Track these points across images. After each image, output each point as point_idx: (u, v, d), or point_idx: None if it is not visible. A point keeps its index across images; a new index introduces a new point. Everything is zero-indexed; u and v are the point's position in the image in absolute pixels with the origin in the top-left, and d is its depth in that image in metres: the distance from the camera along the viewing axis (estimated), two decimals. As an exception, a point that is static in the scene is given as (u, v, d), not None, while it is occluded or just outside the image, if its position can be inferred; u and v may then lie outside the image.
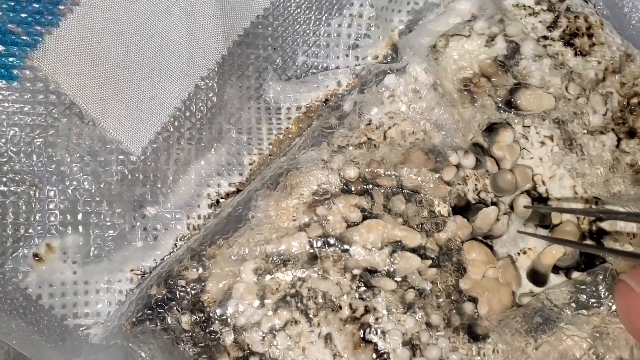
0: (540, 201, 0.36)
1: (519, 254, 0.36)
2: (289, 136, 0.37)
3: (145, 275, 0.35)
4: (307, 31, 0.37)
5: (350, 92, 0.37)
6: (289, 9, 0.37)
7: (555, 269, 0.35)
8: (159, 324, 0.33)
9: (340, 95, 0.38)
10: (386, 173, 0.34)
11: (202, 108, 0.35)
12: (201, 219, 0.36)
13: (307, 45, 0.38)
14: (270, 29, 0.37)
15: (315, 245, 0.33)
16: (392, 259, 0.33)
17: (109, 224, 0.34)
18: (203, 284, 0.33)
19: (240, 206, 0.34)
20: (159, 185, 0.35)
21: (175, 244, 0.35)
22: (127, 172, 0.34)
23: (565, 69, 0.37)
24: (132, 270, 0.35)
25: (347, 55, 0.38)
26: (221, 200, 0.36)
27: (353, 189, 0.34)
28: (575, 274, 0.35)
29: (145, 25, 0.34)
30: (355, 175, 0.34)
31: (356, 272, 0.33)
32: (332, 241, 0.33)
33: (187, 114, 0.35)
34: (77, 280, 0.34)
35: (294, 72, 0.38)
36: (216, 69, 0.35)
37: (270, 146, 0.37)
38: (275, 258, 0.33)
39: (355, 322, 0.33)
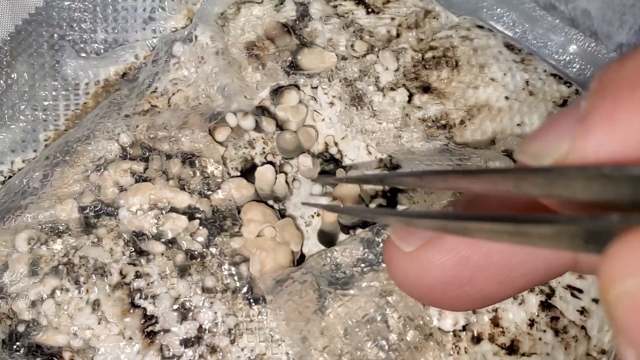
0: (334, 162, 0.36)
1: (312, 216, 0.35)
2: (86, 111, 0.37)
3: None
4: (105, 7, 0.38)
5: (146, 64, 0.37)
6: (85, -13, 0.37)
7: (346, 229, 0.34)
8: (-64, 297, 0.33)
9: (137, 68, 0.38)
10: (165, 137, 0.34)
11: (-11, 85, 0.36)
12: (-8, 195, 0.36)
13: (105, 21, 0.38)
14: (66, 5, 0.37)
15: (85, 212, 0.33)
16: (157, 221, 0.33)
17: None
18: (-18, 256, 0.33)
19: (19, 178, 0.34)
20: (-52, 163, 0.35)
21: (-35, 221, 0.35)
22: None
23: (354, 28, 0.36)
24: None
25: (144, 29, 0.38)
26: (13, 176, 0.36)
27: (130, 154, 0.34)
28: (360, 232, 0.34)
29: None
30: (128, 140, 0.34)
31: (126, 237, 0.33)
32: (102, 207, 0.33)
33: (-26, 92, 0.36)
34: None
35: (94, 49, 0.38)
36: (3, 47, 0.36)
37: (67, 121, 0.37)
38: (45, 226, 0.33)
39: (124, 288, 0.32)
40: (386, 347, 0.31)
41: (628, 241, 0.11)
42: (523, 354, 0.32)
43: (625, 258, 0.11)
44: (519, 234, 0.14)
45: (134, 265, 0.33)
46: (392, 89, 0.35)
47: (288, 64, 0.35)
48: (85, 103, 0.37)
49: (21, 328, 0.32)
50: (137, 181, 0.33)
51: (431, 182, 0.20)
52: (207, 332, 0.32)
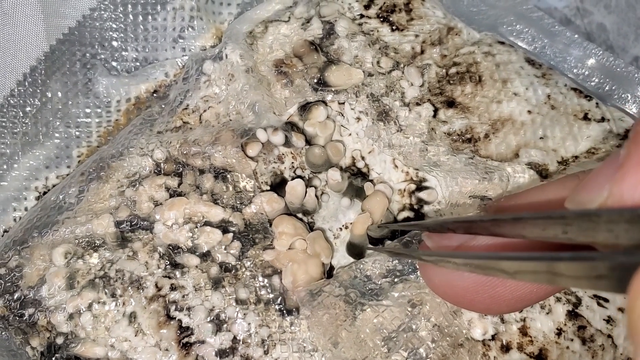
0: (361, 175, 0.36)
1: (341, 229, 0.36)
2: (118, 127, 0.38)
3: (-27, 267, 0.36)
4: (136, 27, 0.39)
5: (176, 81, 0.38)
6: (116, 7, 0.38)
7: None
8: (-25, 311, 0.34)
9: (167, 86, 0.39)
10: (198, 153, 0.35)
11: (25, 103, 0.37)
12: (28, 211, 0.37)
13: (136, 40, 0.39)
14: (98, 25, 0.38)
15: (121, 227, 0.34)
16: (192, 234, 0.33)
17: None
18: (20, 269, 0.34)
19: (55, 194, 0.35)
20: (-15, 180, 0.36)
21: (2, 236, 0.36)
22: (-49, 168, 0.36)
23: (379, 45, 0.37)
24: (-39, 263, 0.36)
25: (174, 48, 0.39)
26: (48, 192, 0.37)
27: (164, 170, 0.35)
28: (389, 244, 0.35)
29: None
30: (162, 156, 0.35)
31: (161, 250, 0.33)
32: (137, 222, 0.34)
33: (10, 110, 0.37)
34: None
35: (125, 67, 0.39)
36: (38, 66, 0.37)
37: (100, 138, 0.38)
38: (81, 241, 0.34)
39: (160, 300, 0.33)
40: (419, 356, 0.32)
41: None
42: (551, 363, 0.33)
43: None
44: (550, 272, 0.14)
45: (169, 278, 0.33)
46: (418, 104, 0.36)
47: (316, 80, 0.36)
48: (117, 120, 0.38)
49: (59, 340, 0.33)
50: (171, 196, 0.34)
51: (486, 228, 0.21)
52: (241, 343, 0.33)
